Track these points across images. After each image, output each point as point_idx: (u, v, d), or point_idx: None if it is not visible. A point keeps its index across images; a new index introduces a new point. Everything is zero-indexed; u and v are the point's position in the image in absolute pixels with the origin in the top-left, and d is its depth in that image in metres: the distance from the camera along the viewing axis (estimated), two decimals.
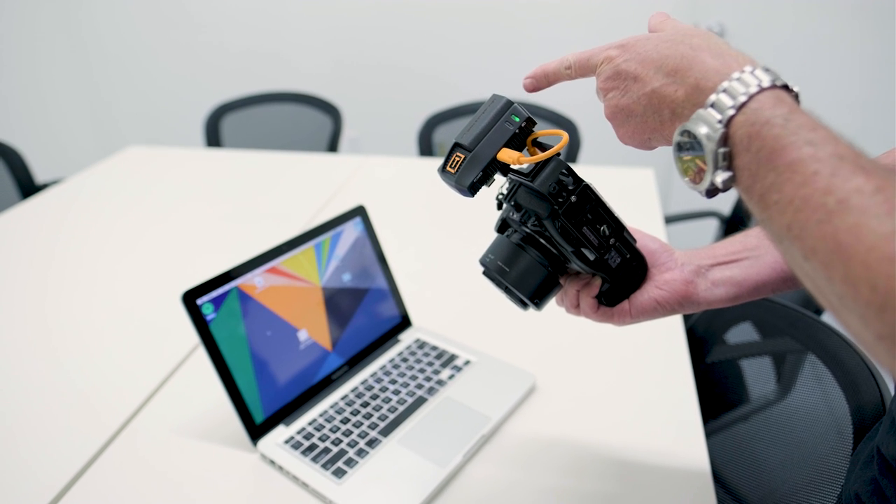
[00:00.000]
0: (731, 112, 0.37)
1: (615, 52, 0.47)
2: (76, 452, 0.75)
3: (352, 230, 0.87)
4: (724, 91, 0.38)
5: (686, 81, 0.42)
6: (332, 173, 1.59)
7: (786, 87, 0.38)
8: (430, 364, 0.86)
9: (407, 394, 0.81)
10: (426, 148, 1.89)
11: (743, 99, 0.37)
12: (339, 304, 0.85)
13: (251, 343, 0.75)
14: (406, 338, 0.91)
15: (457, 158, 0.52)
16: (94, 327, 1.01)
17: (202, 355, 0.90)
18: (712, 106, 0.39)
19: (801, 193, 0.33)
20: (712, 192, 0.40)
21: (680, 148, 0.41)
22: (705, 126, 0.38)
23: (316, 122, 2.05)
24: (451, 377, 0.84)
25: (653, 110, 0.44)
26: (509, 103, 0.52)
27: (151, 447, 0.76)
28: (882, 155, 0.54)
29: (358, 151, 2.81)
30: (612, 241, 0.55)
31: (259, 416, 0.75)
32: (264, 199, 1.47)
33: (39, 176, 1.79)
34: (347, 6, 2.56)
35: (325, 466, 0.71)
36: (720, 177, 0.38)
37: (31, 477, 0.72)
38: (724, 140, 0.38)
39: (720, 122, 0.38)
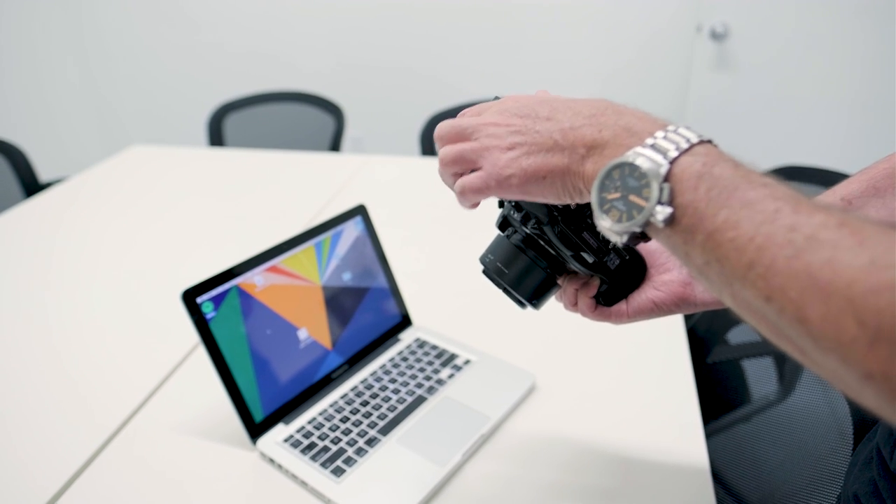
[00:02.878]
0: (675, 153, 0.36)
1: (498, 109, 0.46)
2: (75, 451, 0.76)
3: (352, 229, 0.87)
4: (664, 137, 0.37)
5: (615, 124, 0.40)
6: (334, 172, 1.59)
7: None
8: (430, 363, 0.86)
9: (406, 393, 0.81)
10: (428, 147, 1.89)
11: (685, 145, 0.37)
12: (340, 303, 0.85)
13: (251, 342, 0.75)
14: (406, 337, 0.91)
15: None
16: (96, 325, 1.01)
17: (202, 354, 0.90)
18: (652, 147, 0.37)
19: (764, 231, 0.32)
20: (637, 237, 0.39)
21: (604, 188, 0.39)
22: (647, 161, 0.37)
23: (318, 121, 2.06)
24: (450, 376, 0.84)
25: (563, 147, 0.42)
26: None
27: (150, 446, 0.77)
28: (883, 159, 0.54)
29: (360, 151, 2.82)
30: (611, 244, 0.55)
31: (258, 415, 0.75)
32: (266, 198, 1.47)
33: (43, 175, 1.80)
34: (350, 6, 2.57)
35: (324, 465, 0.71)
36: (661, 213, 0.36)
37: (29, 476, 0.73)
38: (666, 177, 0.36)
39: (665, 158, 0.36)
